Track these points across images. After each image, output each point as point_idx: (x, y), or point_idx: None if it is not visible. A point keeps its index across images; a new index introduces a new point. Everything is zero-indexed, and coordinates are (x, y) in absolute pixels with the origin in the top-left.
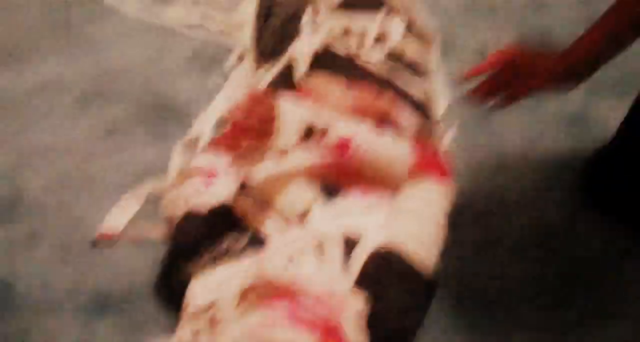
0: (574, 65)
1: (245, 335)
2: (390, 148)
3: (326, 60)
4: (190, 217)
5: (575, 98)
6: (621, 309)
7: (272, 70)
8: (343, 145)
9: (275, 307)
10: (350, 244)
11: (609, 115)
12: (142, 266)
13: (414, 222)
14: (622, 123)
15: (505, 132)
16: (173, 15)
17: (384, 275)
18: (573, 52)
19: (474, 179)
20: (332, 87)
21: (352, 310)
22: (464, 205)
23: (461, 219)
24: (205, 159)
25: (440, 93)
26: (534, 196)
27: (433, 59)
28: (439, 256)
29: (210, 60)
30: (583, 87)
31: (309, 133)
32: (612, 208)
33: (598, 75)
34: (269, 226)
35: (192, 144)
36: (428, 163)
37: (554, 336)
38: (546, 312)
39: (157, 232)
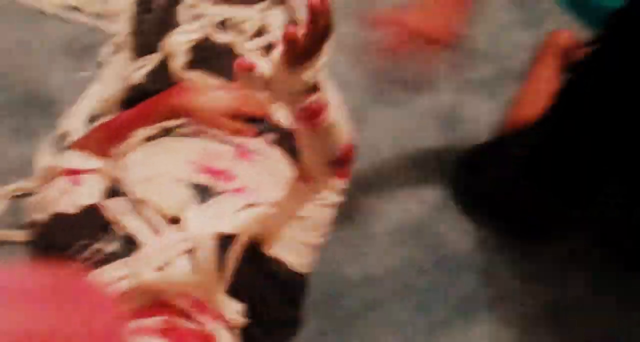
0: None
1: None
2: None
3: (205, 52)
4: (57, 219)
5: (446, 97)
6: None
7: (149, 62)
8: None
9: (150, 319)
10: (224, 244)
11: (480, 113)
12: None
13: (299, 237)
14: (498, 122)
15: (377, 129)
16: None
17: (256, 275)
18: None
19: None
20: (210, 82)
21: (228, 316)
22: None
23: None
24: (73, 158)
25: (326, 85)
26: (405, 193)
27: None
28: (312, 254)
29: (84, 48)
30: (455, 85)
31: None
32: (479, 207)
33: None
34: (141, 229)
35: (61, 141)
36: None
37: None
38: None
39: (20, 235)
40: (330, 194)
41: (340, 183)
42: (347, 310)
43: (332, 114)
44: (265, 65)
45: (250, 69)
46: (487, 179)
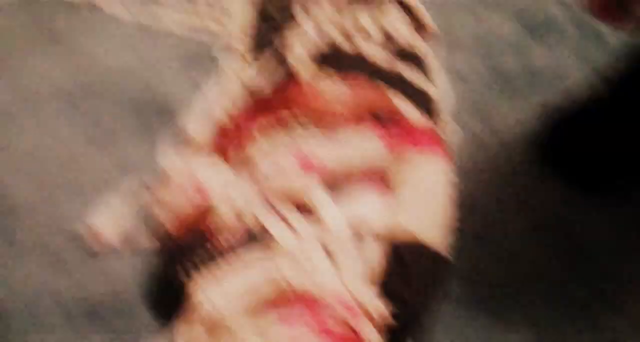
0: None
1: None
2: None
3: (331, 57)
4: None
5: None
6: None
7: (267, 65)
8: None
9: (298, 320)
10: (359, 238)
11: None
12: (131, 273)
13: (419, 204)
14: None
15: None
16: (157, 13)
17: (403, 270)
18: None
19: None
20: (336, 87)
21: (376, 317)
22: None
23: None
24: (195, 161)
25: (445, 89)
26: None
27: (435, 53)
28: (449, 234)
29: (196, 54)
30: None
31: None
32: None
33: None
34: (270, 221)
35: (181, 143)
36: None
37: None
38: None
39: (147, 238)
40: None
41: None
42: None
43: None
44: None
45: None
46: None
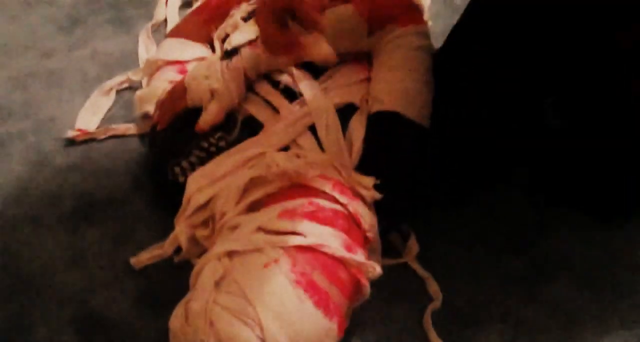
0: None
1: (253, 232)
2: None
3: None
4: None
5: None
6: None
7: None
8: None
9: (294, 201)
10: (345, 114)
11: None
12: (122, 167)
13: (399, 84)
14: None
15: None
16: None
17: (388, 136)
18: None
19: None
20: None
21: (363, 192)
22: None
23: None
24: (174, 48)
25: None
26: None
27: None
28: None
29: None
30: None
31: None
32: None
33: None
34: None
35: (158, 29)
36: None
37: None
38: None
39: (134, 128)
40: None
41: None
42: None
43: None
44: None
45: None
46: None
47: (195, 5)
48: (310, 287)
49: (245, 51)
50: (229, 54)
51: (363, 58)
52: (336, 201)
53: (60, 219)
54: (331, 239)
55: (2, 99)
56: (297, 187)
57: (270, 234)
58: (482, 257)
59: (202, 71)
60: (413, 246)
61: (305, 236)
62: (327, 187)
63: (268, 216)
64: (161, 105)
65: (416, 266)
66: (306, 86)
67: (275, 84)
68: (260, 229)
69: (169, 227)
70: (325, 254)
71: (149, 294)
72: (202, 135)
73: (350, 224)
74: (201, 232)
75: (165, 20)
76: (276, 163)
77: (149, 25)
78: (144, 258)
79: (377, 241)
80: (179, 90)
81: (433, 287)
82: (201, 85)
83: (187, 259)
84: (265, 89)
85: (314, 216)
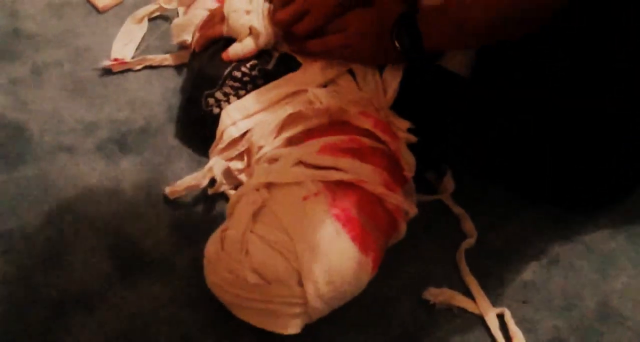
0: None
1: (293, 164)
2: None
3: None
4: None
5: None
6: None
7: None
8: None
9: (336, 137)
10: None
11: None
12: (158, 97)
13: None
14: None
15: None
16: None
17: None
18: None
19: None
20: None
21: (401, 134)
22: None
23: None
24: None
25: None
26: None
27: None
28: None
29: None
30: None
31: None
32: None
33: None
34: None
35: None
36: None
37: None
38: None
39: (170, 59)
40: None
41: None
42: None
43: None
44: None
45: None
46: None
47: None
48: (348, 222)
49: None
50: None
51: None
52: (377, 139)
53: (96, 148)
54: (371, 176)
55: (38, 27)
56: (337, 124)
57: (310, 168)
58: (517, 196)
59: (244, 5)
60: (448, 183)
61: (345, 172)
62: (369, 125)
63: (309, 150)
64: (200, 28)
65: (451, 203)
66: None
67: None
68: (300, 162)
69: (204, 159)
70: (364, 190)
71: (183, 223)
72: (235, 65)
73: (390, 163)
74: (236, 165)
75: None
76: (319, 99)
77: None
78: (178, 188)
79: (412, 181)
80: (218, 16)
81: (468, 225)
82: (240, 19)
83: (221, 192)
84: None
85: (355, 153)
